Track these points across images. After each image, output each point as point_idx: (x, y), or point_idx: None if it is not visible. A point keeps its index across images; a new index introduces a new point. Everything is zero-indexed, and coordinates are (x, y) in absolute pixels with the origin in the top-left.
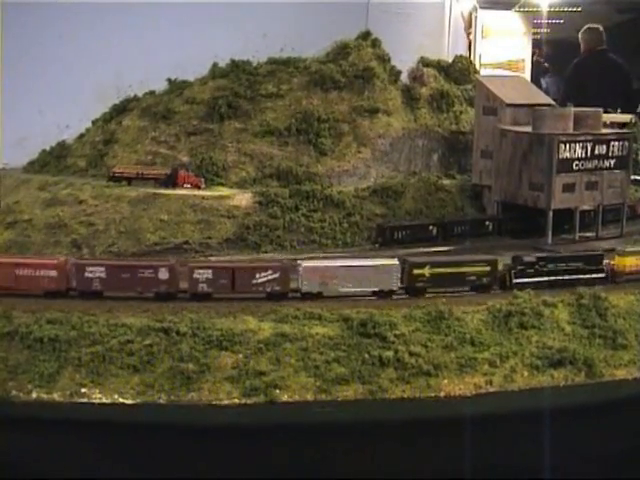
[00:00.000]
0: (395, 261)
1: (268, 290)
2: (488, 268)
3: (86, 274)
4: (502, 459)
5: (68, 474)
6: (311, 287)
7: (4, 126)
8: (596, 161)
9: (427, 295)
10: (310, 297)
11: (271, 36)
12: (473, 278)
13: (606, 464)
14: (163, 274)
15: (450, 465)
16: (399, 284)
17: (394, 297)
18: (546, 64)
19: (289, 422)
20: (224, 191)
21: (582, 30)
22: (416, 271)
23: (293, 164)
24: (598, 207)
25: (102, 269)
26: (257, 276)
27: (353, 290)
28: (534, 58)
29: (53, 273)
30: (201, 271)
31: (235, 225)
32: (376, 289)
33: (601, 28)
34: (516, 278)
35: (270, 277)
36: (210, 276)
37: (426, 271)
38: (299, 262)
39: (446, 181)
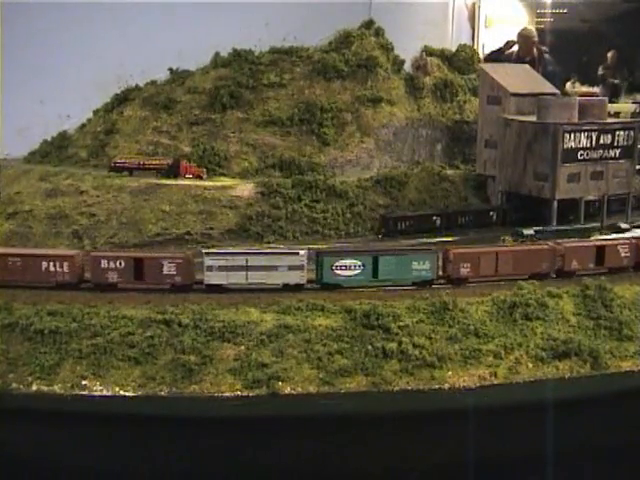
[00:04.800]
0: None
1: None
2: None
3: None
4: (505, 451)
5: (68, 465)
6: None
7: (5, 116)
8: (601, 151)
9: None
10: None
11: (273, 25)
12: None
13: (610, 455)
14: None
15: (453, 456)
16: None
17: None
18: (547, 55)
19: (292, 414)
20: (226, 181)
21: None
22: None
23: (296, 154)
24: (603, 197)
25: None
26: None
27: None
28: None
29: None
30: None
31: (237, 215)
32: None
33: None
34: None
35: None
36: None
37: None
38: None
39: (450, 171)
